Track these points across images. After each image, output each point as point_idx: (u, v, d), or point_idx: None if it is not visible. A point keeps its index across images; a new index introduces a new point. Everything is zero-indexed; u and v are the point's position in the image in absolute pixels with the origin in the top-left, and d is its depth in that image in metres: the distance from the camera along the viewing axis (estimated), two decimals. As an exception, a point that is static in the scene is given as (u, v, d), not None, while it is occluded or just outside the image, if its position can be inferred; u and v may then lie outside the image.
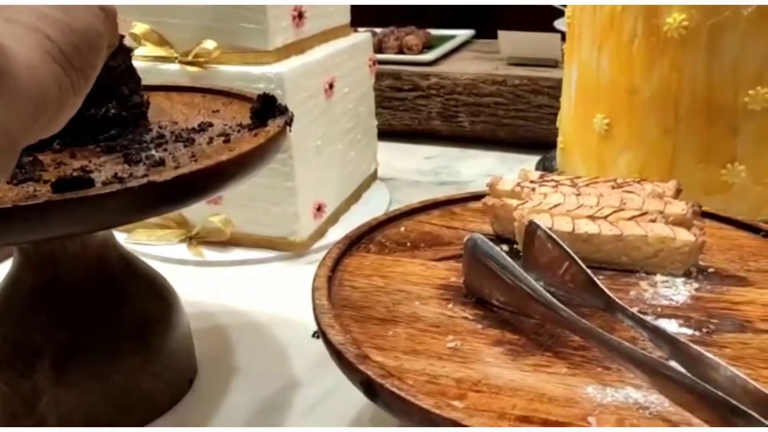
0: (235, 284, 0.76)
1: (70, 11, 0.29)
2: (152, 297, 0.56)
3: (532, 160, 1.05)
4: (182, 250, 0.81)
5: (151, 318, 0.55)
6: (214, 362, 0.62)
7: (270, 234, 0.80)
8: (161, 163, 0.45)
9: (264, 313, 0.70)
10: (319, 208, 0.83)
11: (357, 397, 0.55)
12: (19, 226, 0.38)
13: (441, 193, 1.01)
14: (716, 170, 0.67)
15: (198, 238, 0.82)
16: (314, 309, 0.43)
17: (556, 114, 0.90)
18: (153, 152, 0.48)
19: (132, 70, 0.54)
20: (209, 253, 0.80)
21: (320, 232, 0.85)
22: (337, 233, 0.85)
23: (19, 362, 0.51)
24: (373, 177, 1.02)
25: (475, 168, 1.11)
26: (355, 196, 0.95)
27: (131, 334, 0.53)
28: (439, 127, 1.20)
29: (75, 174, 0.42)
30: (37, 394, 0.50)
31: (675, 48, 0.64)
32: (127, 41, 0.55)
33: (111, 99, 0.51)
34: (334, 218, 0.88)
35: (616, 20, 0.67)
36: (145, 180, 0.41)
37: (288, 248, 0.80)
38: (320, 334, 0.41)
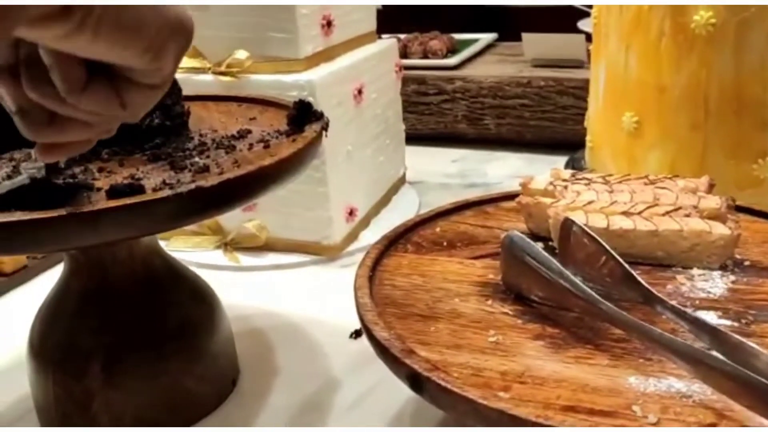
0: (271, 288, 0.78)
1: None
2: (195, 301, 0.58)
3: (559, 160, 1.06)
4: (218, 256, 0.83)
5: (194, 321, 0.57)
6: (256, 363, 0.63)
7: (304, 238, 0.82)
8: (206, 169, 0.47)
9: (301, 316, 0.71)
10: (351, 213, 0.85)
11: (395, 396, 0.57)
12: (75, 233, 0.40)
13: (469, 196, 1.02)
14: (747, 165, 0.67)
15: (233, 244, 0.84)
16: (357, 307, 0.44)
17: (582, 114, 0.91)
18: (197, 159, 0.49)
19: (173, 81, 0.56)
20: (245, 259, 0.82)
21: (352, 236, 0.86)
22: (368, 237, 0.87)
23: (71, 365, 0.52)
24: (402, 180, 1.03)
25: (501, 170, 1.12)
26: (384, 200, 0.96)
27: (177, 337, 0.55)
28: (464, 130, 1.21)
29: (125, 181, 0.44)
30: (89, 396, 0.52)
31: (703, 45, 0.65)
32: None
33: (155, 110, 0.52)
34: (365, 222, 0.90)
35: (643, 19, 0.68)
36: (193, 185, 0.42)
37: (321, 252, 0.82)
38: (364, 331, 0.42)
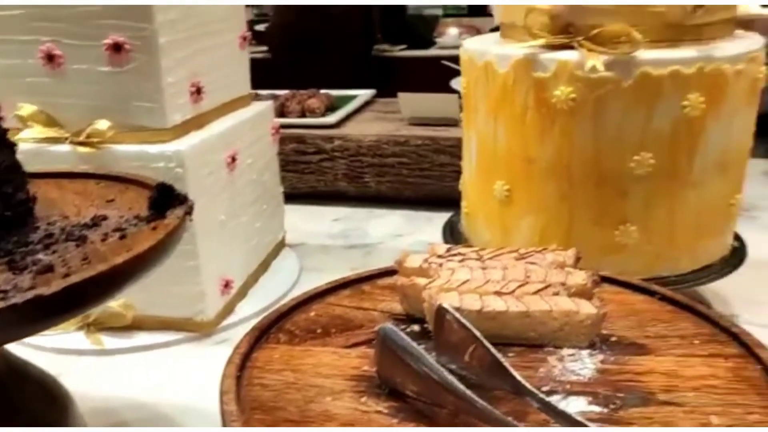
0: (138, 373, 0.72)
1: None
2: (45, 402, 0.53)
3: (438, 217, 1.07)
4: (80, 339, 0.76)
5: (45, 425, 0.51)
6: (118, 466, 0.58)
7: (174, 315, 0.77)
8: (50, 268, 0.43)
9: (171, 405, 0.66)
10: (227, 284, 0.81)
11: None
12: None
13: (350, 257, 1.01)
14: (610, 232, 0.70)
15: (96, 325, 0.77)
16: (222, 415, 0.41)
17: (458, 172, 0.92)
18: (40, 256, 0.45)
19: (16, 166, 0.51)
20: (109, 340, 0.76)
21: (228, 309, 0.82)
22: (245, 309, 0.83)
23: None
24: (281, 245, 1.00)
25: (382, 228, 1.12)
26: (263, 267, 0.93)
27: (22, 449, 0.49)
28: (345, 188, 1.20)
29: (-48, 290, 0.39)
30: None
31: (564, 118, 0.68)
32: (12, 125, 0.52)
33: (-7, 199, 0.48)
34: (242, 292, 0.86)
35: (509, 93, 0.70)
36: (30, 294, 0.38)
37: (195, 329, 0.77)
38: (230, 443, 0.39)
